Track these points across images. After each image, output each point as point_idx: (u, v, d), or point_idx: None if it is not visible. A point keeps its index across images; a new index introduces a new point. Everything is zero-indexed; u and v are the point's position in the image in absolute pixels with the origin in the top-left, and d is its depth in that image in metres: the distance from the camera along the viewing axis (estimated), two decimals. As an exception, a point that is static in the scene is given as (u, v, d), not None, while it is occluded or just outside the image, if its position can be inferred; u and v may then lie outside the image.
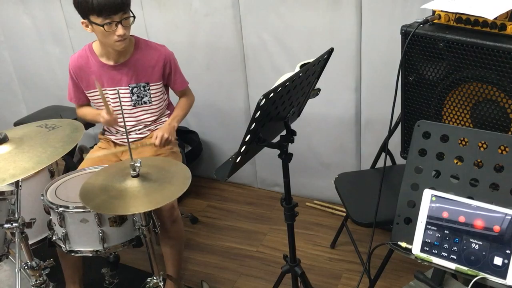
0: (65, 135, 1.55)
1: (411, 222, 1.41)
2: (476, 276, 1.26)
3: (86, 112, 2.30)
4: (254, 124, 1.36)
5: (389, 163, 2.27)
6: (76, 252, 1.82)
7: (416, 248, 1.36)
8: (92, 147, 2.45)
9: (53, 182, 1.94)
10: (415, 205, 1.40)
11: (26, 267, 1.67)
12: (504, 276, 1.24)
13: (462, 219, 1.30)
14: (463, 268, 1.29)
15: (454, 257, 1.31)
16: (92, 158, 2.25)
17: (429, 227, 1.34)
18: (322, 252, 2.50)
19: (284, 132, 1.59)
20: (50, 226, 1.87)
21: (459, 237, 1.30)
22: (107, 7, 1.92)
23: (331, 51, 1.60)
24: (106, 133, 2.36)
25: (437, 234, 1.33)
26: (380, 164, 2.31)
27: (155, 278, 1.88)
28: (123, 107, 2.16)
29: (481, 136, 1.34)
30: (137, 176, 1.64)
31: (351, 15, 2.29)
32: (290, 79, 1.42)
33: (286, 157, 1.59)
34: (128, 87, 2.19)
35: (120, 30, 1.98)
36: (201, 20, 2.68)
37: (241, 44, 2.64)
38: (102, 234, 1.78)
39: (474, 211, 1.29)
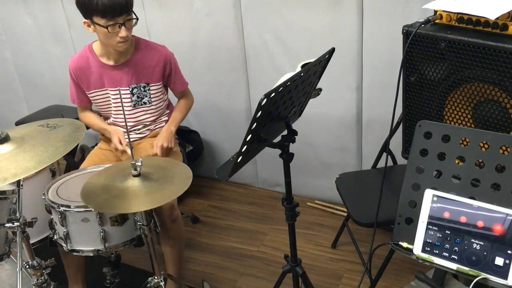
0: (66, 135, 1.55)
1: (412, 222, 1.40)
2: (477, 276, 1.26)
3: (91, 121, 2.30)
4: (255, 124, 1.36)
5: (390, 163, 2.27)
6: (77, 251, 1.82)
7: (417, 248, 1.36)
8: (93, 147, 2.45)
9: (55, 182, 1.94)
10: (416, 205, 1.40)
11: (27, 267, 1.68)
12: (505, 277, 1.24)
13: (463, 219, 1.30)
14: (464, 269, 1.29)
15: (456, 257, 1.30)
16: (93, 157, 2.26)
17: (430, 227, 1.34)
18: (323, 252, 2.50)
19: (285, 132, 1.59)
20: (51, 225, 1.87)
21: (461, 237, 1.30)
22: (111, 9, 1.92)
23: (332, 51, 1.60)
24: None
25: (438, 234, 1.33)
26: (381, 164, 2.31)
27: (156, 277, 1.88)
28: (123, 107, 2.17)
29: (483, 136, 1.34)
30: (138, 175, 1.64)
31: (352, 15, 2.29)
32: (291, 79, 1.42)
33: (287, 157, 1.59)
34: (128, 88, 2.19)
35: (123, 32, 1.99)
36: (202, 20, 2.68)
37: (242, 44, 2.64)
38: (103, 234, 1.78)
39: (476, 211, 1.29)
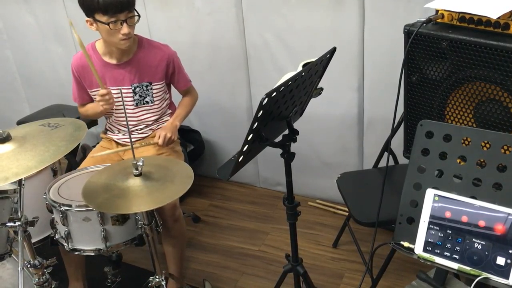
0: (68, 134, 1.55)
1: (413, 221, 1.40)
2: (478, 276, 1.26)
3: (87, 107, 2.29)
4: (256, 123, 1.36)
5: (391, 162, 2.26)
6: (79, 250, 1.83)
7: (418, 247, 1.36)
8: (94, 146, 2.45)
9: (56, 181, 1.94)
10: (417, 205, 1.39)
11: (29, 266, 1.68)
12: (506, 276, 1.24)
13: (465, 218, 1.30)
14: (466, 268, 1.29)
15: (457, 257, 1.30)
16: (94, 157, 2.26)
17: (432, 226, 1.34)
18: (324, 251, 2.50)
19: (286, 132, 1.59)
20: (52, 224, 1.88)
21: (462, 237, 1.30)
22: (113, 6, 1.93)
23: (333, 50, 1.59)
24: (108, 132, 2.36)
25: (439, 234, 1.33)
26: (382, 163, 2.31)
27: (157, 277, 1.88)
28: (125, 107, 2.17)
29: (484, 135, 1.33)
30: (139, 175, 1.64)
31: (354, 15, 2.29)
32: (293, 78, 1.42)
33: (288, 157, 1.59)
34: (130, 87, 2.19)
35: (125, 29, 1.99)
36: (203, 19, 2.68)
37: (244, 43, 2.64)
38: (105, 233, 1.78)
39: (477, 211, 1.28)
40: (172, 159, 2.01)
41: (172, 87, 2.37)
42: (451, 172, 1.37)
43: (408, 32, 1.65)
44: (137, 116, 2.25)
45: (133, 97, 2.21)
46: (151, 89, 2.21)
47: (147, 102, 2.23)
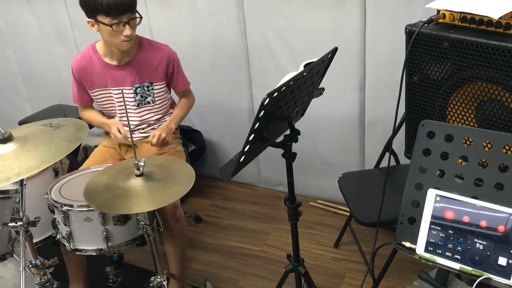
0: (69, 134, 1.55)
1: (415, 222, 1.40)
2: (480, 276, 1.26)
3: (92, 117, 2.29)
4: (258, 123, 1.36)
5: (393, 162, 2.26)
6: (80, 250, 1.83)
7: (420, 248, 1.36)
8: (96, 146, 2.45)
9: (58, 181, 1.94)
10: (419, 205, 1.39)
11: (30, 266, 1.68)
12: (508, 277, 1.24)
13: (466, 219, 1.30)
14: (467, 268, 1.29)
15: (458, 257, 1.30)
16: (96, 155, 2.26)
17: (433, 227, 1.33)
18: (326, 251, 2.50)
19: (288, 132, 1.59)
20: (54, 224, 1.88)
21: (464, 237, 1.30)
22: (116, 7, 1.93)
23: (335, 50, 1.59)
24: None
25: (441, 234, 1.32)
26: (384, 163, 2.31)
27: (158, 277, 1.88)
28: (127, 107, 2.17)
29: (486, 136, 1.33)
30: (141, 175, 1.64)
31: (355, 15, 2.29)
32: (294, 79, 1.42)
33: (290, 157, 1.59)
34: (132, 87, 2.19)
35: (127, 31, 1.99)
36: (205, 20, 2.68)
37: (245, 44, 2.64)
38: (106, 233, 1.78)
39: (479, 211, 1.28)
40: (173, 159, 2.01)
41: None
42: (453, 172, 1.37)
43: (410, 32, 1.65)
44: (139, 116, 2.26)
45: (135, 98, 2.21)
46: (152, 89, 2.22)
47: (149, 102, 2.24)
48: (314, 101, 1.73)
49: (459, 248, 1.30)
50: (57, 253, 1.90)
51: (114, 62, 2.17)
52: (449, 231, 1.31)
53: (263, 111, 1.33)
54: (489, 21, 1.52)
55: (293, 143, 1.58)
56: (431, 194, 1.35)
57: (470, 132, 1.37)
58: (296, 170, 1.66)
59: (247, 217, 2.82)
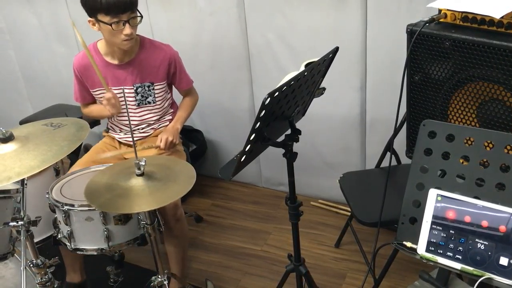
0: (70, 134, 1.55)
1: (416, 222, 1.40)
2: (481, 276, 1.26)
3: (91, 108, 2.30)
4: (258, 123, 1.36)
5: (394, 162, 2.26)
6: (81, 250, 1.83)
7: (421, 248, 1.35)
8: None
9: (59, 181, 1.94)
10: (420, 205, 1.39)
11: (31, 265, 1.68)
12: (510, 277, 1.24)
13: (467, 219, 1.29)
14: (469, 268, 1.29)
15: (460, 257, 1.30)
16: (96, 149, 2.27)
17: (435, 227, 1.33)
18: (327, 251, 2.50)
19: (289, 131, 1.59)
20: (55, 224, 1.88)
21: (465, 237, 1.29)
22: (115, 6, 1.93)
23: (336, 50, 1.59)
24: (110, 131, 2.36)
25: (442, 234, 1.32)
26: (385, 163, 2.30)
27: (159, 276, 1.88)
28: (128, 107, 2.17)
29: (487, 135, 1.33)
30: (141, 175, 1.64)
31: (356, 14, 2.28)
32: (295, 78, 1.41)
33: (290, 156, 1.59)
34: (132, 87, 2.19)
35: (127, 30, 1.99)
36: (205, 19, 2.68)
37: (246, 43, 2.64)
38: (107, 233, 1.78)
39: (480, 211, 1.28)
40: (174, 159, 2.01)
41: (173, 87, 2.37)
42: (454, 172, 1.37)
43: (411, 31, 1.64)
44: (139, 116, 2.26)
45: (135, 97, 2.21)
46: (153, 89, 2.22)
47: (149, 102, 2.23)
48: (315, 101, 1.73)
49: (460, 248, 1.30)
50: (58, 253, 1.90)
51: (116, 62, 2.17)
52: (451, 231, 1.31)
53: (264, 111, 1.33)
54: (491, 21, 1.51)
55: (294, 143, 1.58)
56: (433, 194, 1.34)
57: (471, 132, 1.37)
58: (297, 170, 1.66)
59: (248, 217, 2.82)
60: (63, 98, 3.17)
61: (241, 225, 2.76)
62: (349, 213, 2.58)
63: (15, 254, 1.90)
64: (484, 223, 1.27)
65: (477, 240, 1.28)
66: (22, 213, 1.63)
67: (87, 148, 2.87)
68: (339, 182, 2.18)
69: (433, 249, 1.34)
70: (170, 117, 2.34)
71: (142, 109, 2.24)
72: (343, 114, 2.55)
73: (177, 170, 1.73)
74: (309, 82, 1.56)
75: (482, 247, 1.27)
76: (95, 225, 1.78)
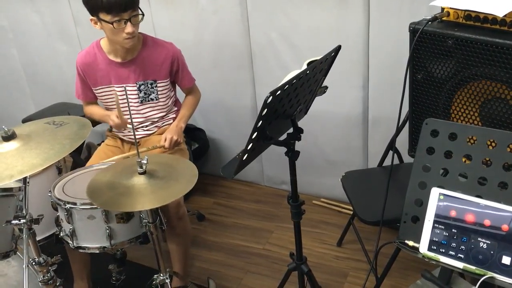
0: (73, 132, 1.56)
1: (418, 220, 1.40)
2: (484, 275, 1.26)
3: (93, 111, 2.30)
4: (261, 121, 1.36)
5: (396, 161, 2.26)
6: (83, 248, 1.83)
7: (423, 247, 1.35)
8: (99, 144, 2.45)
9: (61, 179, 1.95)
10: (422, 204, 1.39)
11: (34, 263, 1.68)
12: (512, 276, 1.23)
13: (470, 218, 1.29)
14: (471, 267, 1.28)
15: (462, 256, 1.30)
16: (100, 154, 2.27)
17: (437, 225, 1.33)
18: (329, 250, 2.50)
19: (291, 130, 1.59)
20: (57, 222, 1.88)
21: (467, 236, 1.29)
22: (116, 5, 1.93)
23: (338, 48, 1.59)
24: (113, 130, 2.36)
25: (444, 233, 1.32)
26: (387, 162, 2.30)
27: (161, 275, 1.88)
28: (130, 104, 2.17)
29: (490, 134, 1.32)
30: (144, 173, 1.64)
31: (358, 13, 2.28)
32: (297, 77, 1.41)
33: (293, 155, 1.59)
34: (135, 84, 2.19)
35: (129, 28, 1.99)
36: (208, 18, 2.67)
37: (248, 42, 2.64)
38: (109, 231, 1.78)
39: (482, 210, 1.28)
40: (176, 157, 2.01)
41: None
42: (457, 171, 1.36)
43: (414, 30, 1.64)
44: (143, 113, 2.26)
45: (138, 95, 2.21)
46: (156, 86, 2.22)
47: (152, 100, 2.24)
48: (317, 99, 1.73)
49: (462, 247, 1.30)
50: (60, 251, 1.91)
51: (118, 60, 2.17)
52: (453, 230, 1.31)
53: (266, 109, 1.32)
54: (494, 19, 1.51)
55: (296, 142, 1.58)
56: (435, 192, 1.34)
57: (474, 130, 1.36)
58: (299, 168, 1.65)
59: (250, 215, 2.82)
60: (66, 97, 3.17)
61: (243, 224, 2.76)
62: (351, 212, 2.57)
63: (17, 252, 1.91)
64: (487, 222, 1.27)
65: (479, 239, 1.28)
66: (24, 211, 1.63)
67: (89, 147, 2.88)
68: (341, 181, 2.18)
69: (435, 248, 1.34)
70: (174, 115, 2.34)
71: (145, 106, 2.24)
72: (345, 112, 2.55)
73: (180, 169, 1.73)
74: (311, 81, 1.56)
75: (485, 246, 1.27)
76: (97, 223, 1.78)
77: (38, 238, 1.73)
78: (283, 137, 1.59)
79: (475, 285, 1.26)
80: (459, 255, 1.30)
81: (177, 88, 2.38)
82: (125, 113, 2.23)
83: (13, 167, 1.39)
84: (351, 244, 2.51)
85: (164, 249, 1.97)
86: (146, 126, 2.29)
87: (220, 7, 2.61)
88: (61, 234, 1.87)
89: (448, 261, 1.32)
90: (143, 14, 2.04)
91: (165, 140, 2.14)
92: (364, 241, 2.36)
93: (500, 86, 1.51)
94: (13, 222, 1.62)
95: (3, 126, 1.50)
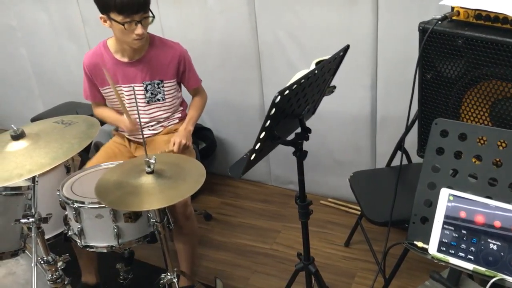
0: (81, 131, 1.56)
1: (427, 221, 1.39)
2: (494, 277, 1.24)
3: (105, 115, 2.30)
4: (269, 121, 1.35)
5: (404, 161, 2.24)
6: (91, 247, 1.84)
7: (432, 248, 1.34)
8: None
9: (69, 178, 1.95)
10: (431, 204, 1.38)
11: (42, 262, 1.69)
12: (523, 278, 1.22)
13: (480, 219, 1.28)
14: (481, 269, 1.27)
15: (472, 257, 1.29)
16: (107, 150, 2.28)
17: (446, 226, 1.32)
18: (336, 250, 2.49)
19: (299, 130, 1.58)
20: (66, 221, 1.89)
21: (477, 237, 1.28)
22: (129, 7, 1.93)
23: (347, 48, 1.58)
24: (119, 129, 2.37)
25: (454, 234, 1.31)
26: (395, 162, 2.28)
27: (169, 274, 1.89)
28: (137, 104, 2.18)
29: (501, 134, 1.31)
30: (151, 172, 1.64)
31: (367, 12, 2.27)
32: (306, 76, 1.41)
33: (301, 155, 1.58)
34: (142, 84, 2.20)
35: (139, 29, 1.99)
36: (216, 17, 2.67)
37: (256, 41, 2.63)
38: (117, 230, 1.79)
39: (493, 211, 1.27)
40: (184, 157, 2.01)
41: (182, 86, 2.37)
42: (466, 172, 1.35)
43: (423, 29, 1.63)
44: (149, 113, 2.26)
45: (145, 95, 2.21)
46: (163, 86, 2.22)
47: (159, 100, 2.24)
48: (325, 99, 1.72)
49: (472, 248, 1.28)
50: (68, 250, 1.91)
51: (125, 59, 2.18)
52: (462, 231, 1.30)
53: (274, 109, 1.32)
54: (505, 19, 1.49)
55: (304, 141, 1.57)
56: (444, 193, 1.33)
57: (484, 131, 1.35)
58: (306, 168, 1.65)
59: (258, 215, 2.82)
60: (74, 96, 3.19)
61: (250, 224, 2.76)
62: (358, 212, 2.56)
63: (26, 251, 1.92)
64: (497, 224, 1.26)
65: (489, 240, 1.26)
66: (33, 210, 1.64)
67: (97, 146, 2.89)
68: (349, 181, 2.17)
69: (444, 249, 1.32)
70: (180, 115, 2.34)
71: (152, 106, 2.25)
72: (354, 112, 2.54)
73: (187, 168, 1.73)
74: (320, 81, 1.55)
75: (495, 247, 1.26)
76: (105, 222, 1.78)
77: (46, 237, 1.73)
78: (291, 136, 1.58)
79: (485, 287, 1.24)
80: (469, 256, 1.29)
81: (183, 88, 2.38)
82: (133, 113, 2.24)
83: (22, 166, 1.39)
84: (359, 245, 2.50)
85: (172, 248, 1.97)
86: (152, 126, 2.30)
87: (228, 7, 2.61)
88: (69, 233, 1.88)
89: (457, 262, 1.31)
90: (153, 16, 2.04)
91: (174, 144, 2.14)
92: (372, 241, 2.35)
93: (511, 86, 1.49)
94: (22, 220, 1.62)
95: (12, 125, 1.51)
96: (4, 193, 1.79)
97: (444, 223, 1.32)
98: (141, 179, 1.64)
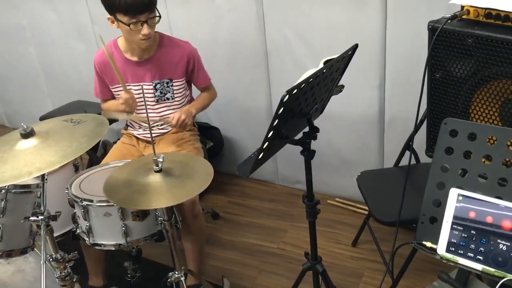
0: (90, 130, 1.57)
1: (436, 221, 1.38)
2: (503, 277, 1.23)
3: (110, 104, 2.32)
4: (276, 120, 1.35)
5: (413, 161, 2.23)
6: (100, 245, 1.84)
7: (441, 248, 1.33)
8: (115, 142, 2.47)
9: (78, 176, 1.96)
10: (440, 204, 1.37)
11: (51, 260, 1.70)
12: (532, 279, 1.21)
13: (489, 219, 1.27)
14: (490, 270, 1.26)
15: (481, 258, 1.28)
16: (115, 152, 2.28)
17: (455, 227, 1.31)
18: (344, 250, 2.48)
19: (306, 129, 1.58)
20: (74, 219, 1.90)
21: (486, 238, 1.27)
22: (134, 7, 1.93)
23: (355, 47, 1.58)
24: (129, 128, 2.38)
25: (463, 234, 1.30)
26: (403, 162, 2.28)
27: (176, 272, 1.89)
28: (146, 103, 2.18)
29: (511, 134, 1.30)
30: (159, 171, 1.65)
31: (375, 11, 2.26)
32: (314, 76, 1.40)
33: (308, 154, 1.58)
34: (151, 83, 2.20)
35: (145, 30, 2.00)
36: (223, 16, 2.67)
37: (264, 41, 2.63)
38: (125, 228, 1.80)
39: (502, 212, 1.26)
40: (192, 156, 2.02)
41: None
42: (476, 172, 1.34)
43: (433, 28, 1.62)
44: (158, 112, 2.27)
45: (154, 94, 2.22)
46: (172, 85, 2.22)
47: (168, 99, 2.24)
48: (333, 98, 1.71)
49: (481, 248, 1.28)
50: (77, 248, 1.92)
51: (135, 58, 2.19)
52: (472, 232, 1.29)
53: (282, 108, 1.32)
54: (515, 17, 1.48)
55: (312, 141, 1.57)
56: (453, 193, 1.32)
57: (494, 130, 1.34)
58: (314, 167, 1.65)
59: (265, 214, 2.82)
60: (82, 95, 3.20)
61: (258, 223, 2.76)
62: (366, 212, 2.56)
63: (35, 249, 1.93)
64: (506, 224, 1.25)
65: (499, 241, 1.26)
66: (42, 208, 1.64)
67: (105, 144, 2.90)
68: (356, 181, 2.16)
69: (453, 249, 1.32)
70: (189, 114, 2.35)
71: (161, 105, 2.25)
72: (362, 112, 2.53)
73: (195, 167, 1.73)
74: (328, 80, 1.55)
75: (504, 248, 1.25)
76: (113, 220, 1.79)
77: (55, 235, 1.73)
78: (299, 136, 1.58)
79: (494, 288, 1.24)
80: (478, 257, 1.28)
81: (193, 87, 2.38)
82: (143, 111, 2.25)
83: (31, 164, 1.40)
84: (367, 244, 2.49)
85: (179, 247, 1.98)
86: (161, 124, 2.30)
87: (236, 5, 2.61)
88: (78, 231, 1.89)
89: (466, 262, 1.30)
90: (160, 16, 2.05)
91: (173, 118, 2.14)
92: (380, 241, 2.34)
93: (521, 85, 1.48)
94: (31, 218, 1.63)
95: (22, 124, 1.52)
96: (13, 191, 1.81)
97: (453, 223, 1.32)
98: (149, 177, 1.64)
